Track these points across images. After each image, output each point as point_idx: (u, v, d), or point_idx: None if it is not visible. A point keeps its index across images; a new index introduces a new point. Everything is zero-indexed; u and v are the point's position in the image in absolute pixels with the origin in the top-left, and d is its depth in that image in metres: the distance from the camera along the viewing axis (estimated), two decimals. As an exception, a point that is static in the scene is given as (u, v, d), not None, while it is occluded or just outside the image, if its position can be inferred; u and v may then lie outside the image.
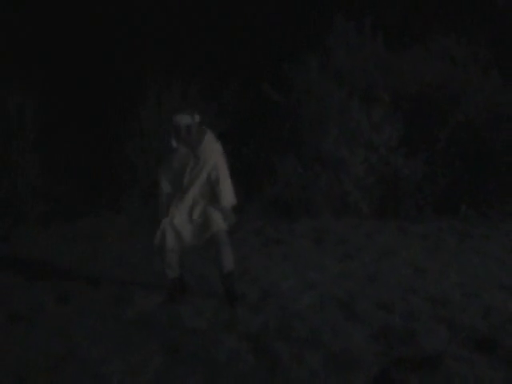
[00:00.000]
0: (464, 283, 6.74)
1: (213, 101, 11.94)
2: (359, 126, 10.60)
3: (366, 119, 10.61)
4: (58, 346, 5.22)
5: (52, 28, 13.55)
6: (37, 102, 11.12)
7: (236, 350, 5.04)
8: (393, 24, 12.19)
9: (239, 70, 12.67)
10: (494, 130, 10.80)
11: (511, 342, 5.02)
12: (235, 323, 5.66)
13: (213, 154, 6.14)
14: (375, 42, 11.72)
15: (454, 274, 7.08)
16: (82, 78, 12.66)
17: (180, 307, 6.08)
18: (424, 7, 13.43)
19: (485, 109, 10.86)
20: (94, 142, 11.74)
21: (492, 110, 10.88)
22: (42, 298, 6.51)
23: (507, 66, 11.56)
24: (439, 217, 10.12)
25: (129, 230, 9.67)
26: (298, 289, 6.63)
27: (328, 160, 10.58)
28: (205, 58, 12.91)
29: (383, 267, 7.42)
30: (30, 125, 11.11)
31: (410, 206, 10.49)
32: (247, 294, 6.37)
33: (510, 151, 10.70)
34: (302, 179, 10.68)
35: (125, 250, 8.56)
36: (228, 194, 6.17)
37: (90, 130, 11.96)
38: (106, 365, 4.85)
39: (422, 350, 4.97)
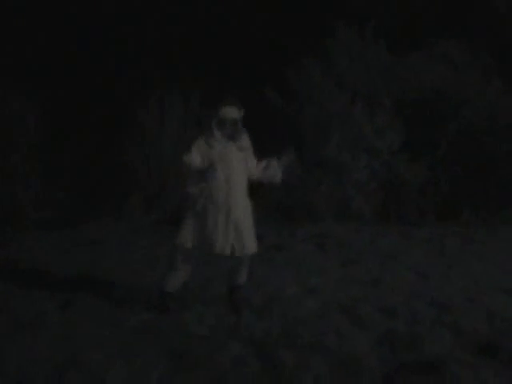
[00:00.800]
0: (467, 288, 6.74)
1: (214, 106, 11.93)
2: (361, 131, 10.62)
3: (368, 124, 10.62)
4: (61, 353, 5.21)
5: (54, 33, 13.57)
6: (38, 109, 11.12)
7: (240, 356, 5.04)
8: (394, 29, 12.19)
9: (241, 76, 12.67)
10: (495, 136, 10.81)
11: (514, 346, 5.03)
12: (239, 329, 5.66)
13: (250, 149, 6.20)
14: (377, 47, 11.74)
15: (457, 279, 7.09)
16: (84, 84, 12.66)
17: (183, 313, 6.07)
18: (425, 13, 13.46)
19: (485, 114, 10.87)
20: (95, 148, 11.73)
21: (493, 116, 10.89)
22: (45, 305, 6.48)
23: (508, 71, 11.57)
24: (441, 222, 10.13)
25: (130, 236, 9.65)
26: (301, 294, 6.64)
27: (330, 165, 10.59)
28: (206, 64, 12.92)
29: (386, 272, 7.42)
30: (32, 131, 11.12)
31: (412, 210, 10.50)
32: (251, 300, 6.36)
33: (510, 157, 10.71)
34: (304, 184, 10.68)
35: (126, 256, 8.55)
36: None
37: (92, 136, 11.96)
38: (109, 371, 4.84)
39: (426, 354, 4.98)
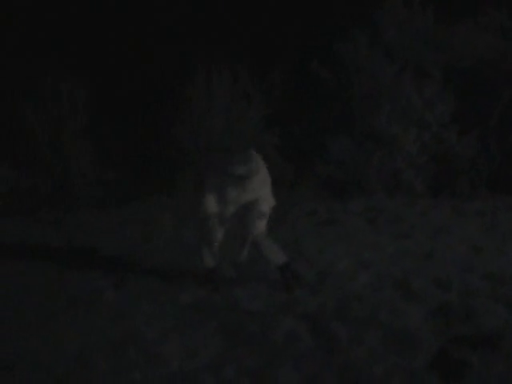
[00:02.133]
0: (522, 261, 6.66)
1: (262, 82, 11.91)
2: (411, 102, 10.49)
3: (417, 96, 10.49)
4: (117, 330, 5.30)
5: (100, 14, 13.64)
6: (88, 88, 11.22)
7: (294, 331, 5.06)
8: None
9: (288, 50, 12.61)
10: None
11: None
12: (292, 305, 5.67)
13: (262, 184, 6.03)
14: (425, 16, 11.57)
15: (511, 252, 6.99)
16: (133, 63, 12.72)
17: (236, 291, 6.11)
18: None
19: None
20: (145, 126, 11.80)
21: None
22: (99, 283, 6.58)
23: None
24: (494, 194, 9.98)
25: (181, 213, 9.70)
26: (354, 269, 6.62)
27: (381, 138, 10.50)
28: (253, 38, 12.86)
29: (439, 245, 7.35)
30: (82, 111, 11.23)
31: (464, 183, 10.36)
32: (303, 275, 6.36)
33: None
34: (355, 158, 10.62)
35: (178, 234, 8.60)
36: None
37: (141, 114, 12.02)
38: (165, 347, 4.91)
39: (481, 328, 4.93)
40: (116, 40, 13.19)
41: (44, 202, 10.58)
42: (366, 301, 5.66)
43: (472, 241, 7.49)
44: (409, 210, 9.38)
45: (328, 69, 11.39)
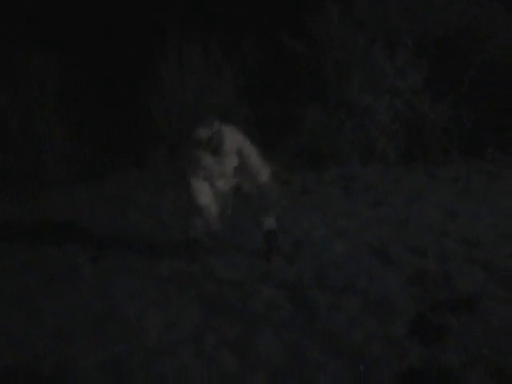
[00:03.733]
0: (496, 224, 6.68)
1: (233, 53, 11.82)
2: (383, 71, 10.48)
3: (389, 65, 10.48)
4: (97, 305, 5.30)
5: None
6: (57, 63, 11.09)
7: (273, 300, 5.08)
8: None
9: (259, 21, 12.53)
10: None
11: (547, 280, 5.03)
12: (270, 274, 5.68)
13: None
14: (397, -16, 11.53)
15: (486, 216, 7.02)
16: (102, 38, 12.58)
17: (213, 261, 6.11)
18: None
19: (511, 49, 10.68)
20: (116, 100, 11.69)
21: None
22: (76, 258, 6.54)
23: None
24: (466, 160, 10.02)
25: (155, 186, 9.66)
26: (330, 237, 6.62)
27: (353, 107, 10.49)
28: (224, 9, 12.76)
29: (414, 212, 7.37)
30: (52, 87, 11.10)
31: (437, 150, 10.39)
32: (280, 245, 6.36)
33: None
34: (327, 128, 10.60)
35: (153, 206, 8.57)
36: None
37: (112, 89, 11.91)
38: (144, 320, 4.92)
39: (459, 292, 4.99)
40: (85, 18, 13.03)
41: (17, 181, 10.47)
42: (343, 268, 5.69)
43: (447, 206, 7.51)
44: (383, 177, 9.39)
45: (299, 40, 11.33)
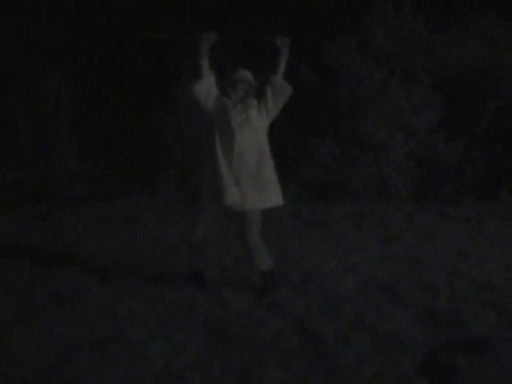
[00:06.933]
0: (508, 267, 6.63)
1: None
2: (398, 108, 10.48)
3: (405, 101, 10.48)
4: (102, 327, 5.25)
5: (85, 9, 13.54)
6: (72, 84, 11.16)
7: (281, 331, 5.02)
8: (433, 5, 11.97)
9: (277, 52, 12.55)
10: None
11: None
12: (279, 304, 5.63)
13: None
14: (415, 22, 11.55)
15: (497, 258, 6.97)
16: (119, 59, 12.64)
17: (221, 290, 6.06)
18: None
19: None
20: (129, 123, 11.73)
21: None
22: (84, 278, 6.52)
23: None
24: (479, 201, 9.98)
25: (166, 211, 9.65)
26: (340, 271, 6.56)
27: (366, 142, 10.47)
28: (241, 38, 12.80)
29: (425, 250, 7.32)
30: (66, 107, 11.16)
31: (450, 189, 10.35)
32: (288, 276, 6.31)
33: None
34: (340, 161, 10.58)
35: (163, 232, 8.54)
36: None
37: (126, 111, 11.94)
38: (150, 345, 4.86)
39: (469, 333, 4.92)
40: (100, 37, 13.10)
41: (28, 198, 10.50)
42: (352, 303, 5.63)
43: (458, 246, 7.47)
44: (394, 214, 9.35)
45: (315, 72, 11.35)
